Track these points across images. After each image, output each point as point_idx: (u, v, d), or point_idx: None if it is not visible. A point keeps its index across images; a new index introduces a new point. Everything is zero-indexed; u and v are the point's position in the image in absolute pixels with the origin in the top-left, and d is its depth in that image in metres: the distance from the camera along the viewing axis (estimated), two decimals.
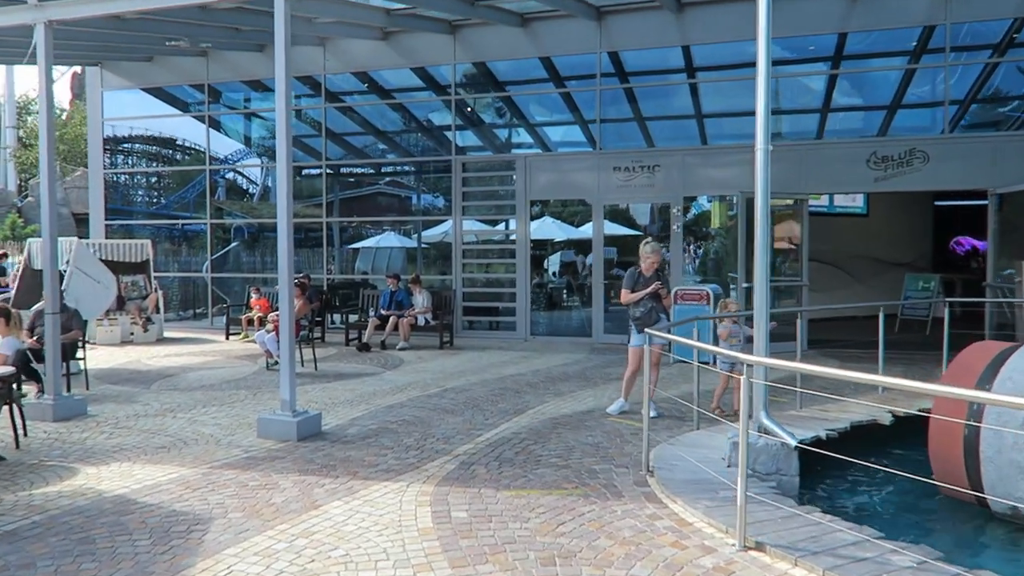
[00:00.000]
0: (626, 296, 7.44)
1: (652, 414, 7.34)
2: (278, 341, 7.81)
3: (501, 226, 15.42)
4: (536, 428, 6.96)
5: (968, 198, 16.51)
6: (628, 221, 25.57)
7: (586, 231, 24.90)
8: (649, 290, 7.33)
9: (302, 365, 10.52)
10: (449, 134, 14.47)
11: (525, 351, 12.28)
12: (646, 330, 6.34)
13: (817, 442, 5.86)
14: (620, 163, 12.93)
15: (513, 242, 13.89)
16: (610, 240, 25.63)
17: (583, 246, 25.42)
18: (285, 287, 6.79)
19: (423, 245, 23.15)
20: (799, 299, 12.24)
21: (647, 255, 7.40)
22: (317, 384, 9.33)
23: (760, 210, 5.83)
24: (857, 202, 18.13)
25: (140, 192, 21.10)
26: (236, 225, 31.24)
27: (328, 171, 18.18)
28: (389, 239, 23.29)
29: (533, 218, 14.20)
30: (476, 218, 15.19)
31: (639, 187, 12.88)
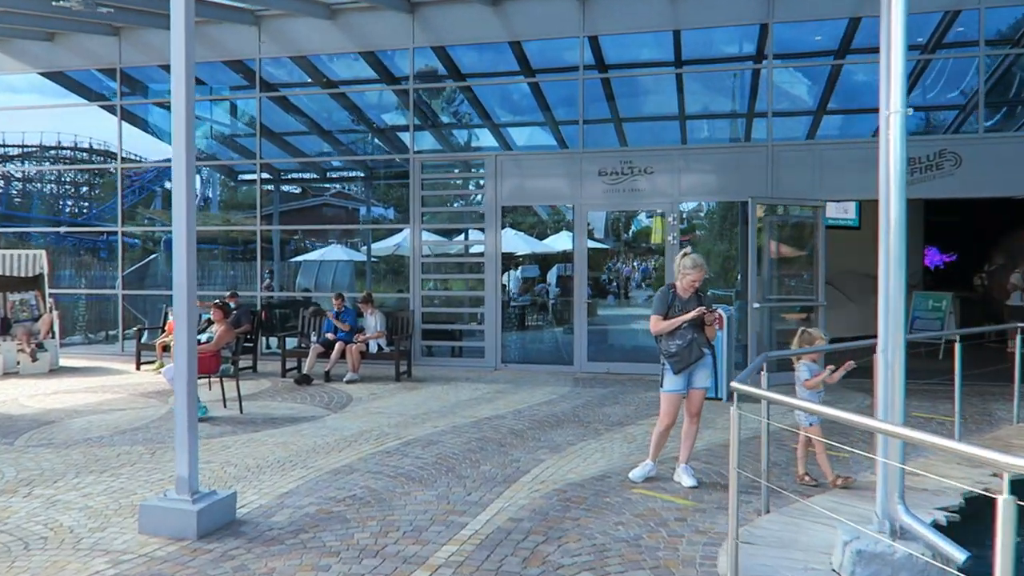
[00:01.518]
0: (657, 324, 5.58)
1: (689, 482, 5.56)
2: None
3: (463, 236, 13.51)
4: (542, 510, 5.02)
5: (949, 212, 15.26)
6: (587, 234, 23.88)
7: (552, 244, 23.25)
8: (690, 316, 5.49)
9: (224, 407, 8.40)
10: (406, 133, 12.50)
11: (498, 383, 10.35)
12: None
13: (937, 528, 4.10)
14: (605, 165, 11.17)
15: (481, 255, 11.97)
16: (568, 256, 24.01)
17: (549, 260, 23.74)
18: (184, 310, 4.73)
19: (373, 259, 21.09)
20: (815, 321, 10.60)
21: (687, 270, 5.56)
22: (240, 435, 7.24)
23: (894, 200, 4.05)
24: (849, 213, 16.74)
25: (43, 196, 18.53)
26: (167, 237, 28.70)
27: (265, 175, 16.06)
28: (335, 252, 21.14)
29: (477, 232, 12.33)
30: (437, 227, 13.23)
31: (627, 192, 11.12)
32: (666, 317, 5.53)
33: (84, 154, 23.88)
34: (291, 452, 6.57)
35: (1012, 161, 10.01)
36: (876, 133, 5.68)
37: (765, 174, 10.64)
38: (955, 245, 18.23)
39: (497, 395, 9.45)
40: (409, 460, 6.30)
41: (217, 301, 8.46)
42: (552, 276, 23.06)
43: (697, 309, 5.47)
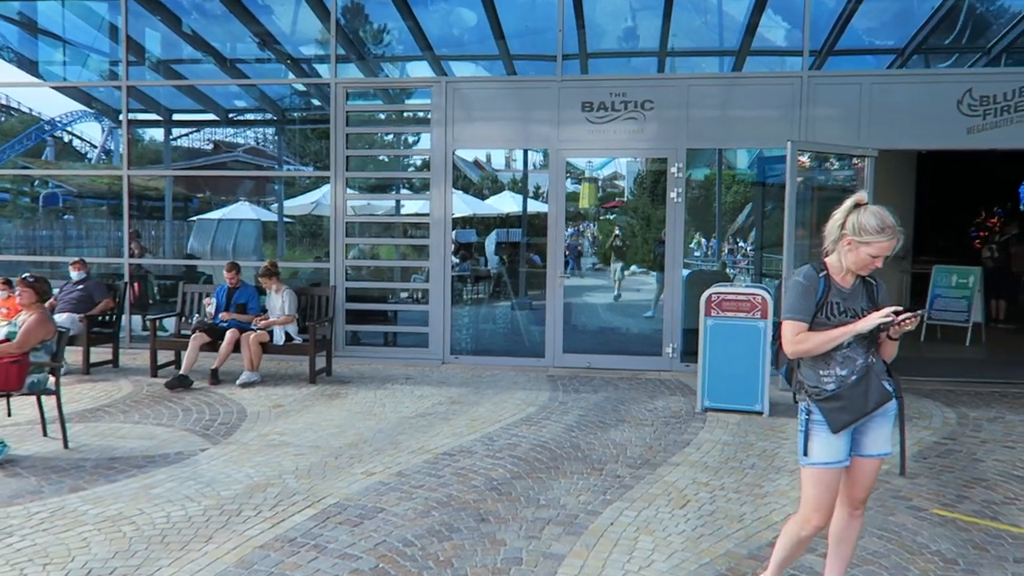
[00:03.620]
0: (801, 338, 2.89)
1: None
2: None
3: (399, 192, 10.69)
4: None
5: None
6: (529, 194, 21.18)
7: (497, 205, 20.53)
8: (870, 322, 2.86)
9: (44, 434, 5.51)
10: (326, 65, 9.50)
11: (451, 385, 7.69)
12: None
13: None
14: (592, 96, 8.52)
15: (426, 216, 9.21)
16: (508, 221, 21.41)
17: (492, 225, 21.01)
18: None
19: (287, 219, 17.95)
20: None
21: (870, 235, 2.88)
22: (45, 499, 4.38)
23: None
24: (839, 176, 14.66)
25: None
26: (46, 192, 24.57)
27: (154, 115, 12.77)
28: (242, 210, 17.89)
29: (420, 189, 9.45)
30: (369, 175, 10.36)
31: (620, 133, 8.51)
32: (812, 327, 2.94)
33: None
34: (118, 547, 3.77)
35: None
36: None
37: (798, 113, 8.22)
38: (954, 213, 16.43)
39: (453, 407, 6.79)
40: (327, 566, 3.61)
41: (26, 276, 5.47)
42: (490, 243, 20.41)
43: (884, 311, 2.87)
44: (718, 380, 6.67)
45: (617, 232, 18.15)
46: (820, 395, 2.97)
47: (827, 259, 3.06)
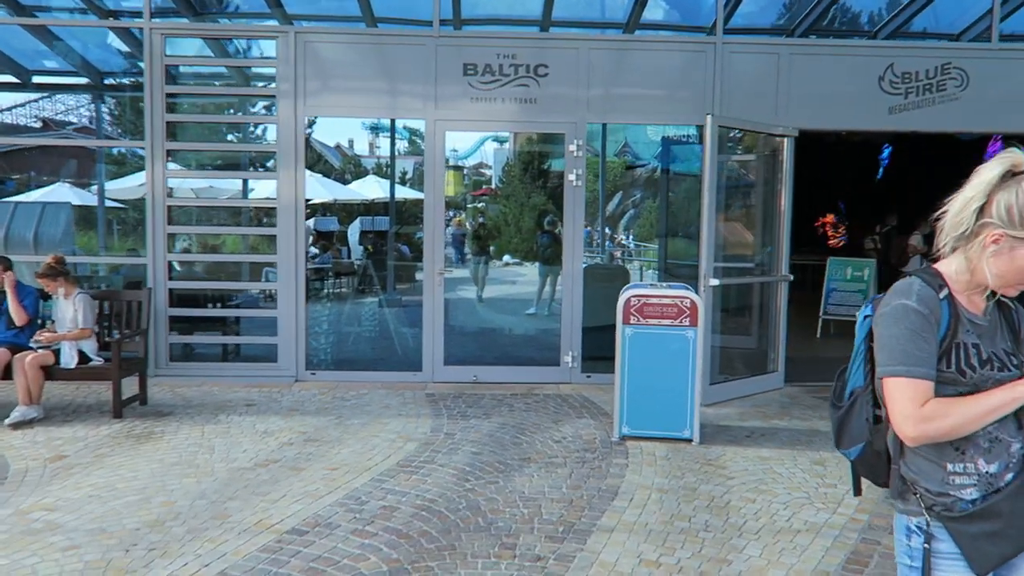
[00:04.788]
0: (926, 410, 1.62)
1: None
2: None
3: (238, 171, 8.85)
4: None
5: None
6: (396, 178, 19.70)
7: (361, 191, 18.70)
8: None
9: None
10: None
11: (305, 413, 6.08)
12: None
13: None
14: (476, 57, 7.10)
15: (273, 202, 7.49)
16: (374, 208, 19.68)
17: (356, 212, 19.27)
18: None
19: (114, 203, 15.38)
20: (777, 299, 7.42)
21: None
22: None
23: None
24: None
25: None
26: None
27: None
28: (60, 192, 15.13)
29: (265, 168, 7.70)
30: (197, 147, 8.45)
31: (510, 103, 7.14)
32: (938, 383, 1.66)
33: None
34: None
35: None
36: None
37: (711, 85, 7.16)
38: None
39: (307, 448, 5.20)
40: None
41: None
42: (354, 232, 18.65)
43: None
44: (639, 401, 5.47)
45: (481, 220, 16.88)
46: (951, 509, 1.70)
47: (941, 266, 1.80)
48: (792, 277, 7.41)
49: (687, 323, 5.40)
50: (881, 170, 17.84)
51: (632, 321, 5.45)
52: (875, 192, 15.73)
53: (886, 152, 17.80)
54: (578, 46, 7.14)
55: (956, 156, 15.01)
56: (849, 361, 1.91)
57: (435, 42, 7.08)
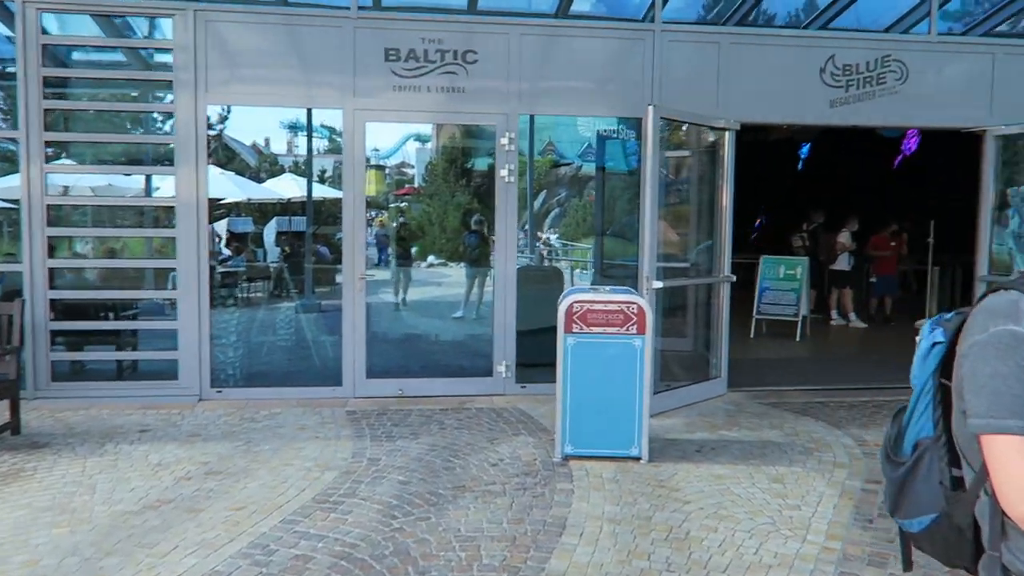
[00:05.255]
0: None
1: None
2: None
3: (130, 166, 7.98)
4: None
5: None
6: (314, 176, 18.96)
7: (277, 189, 17.73)
8: None
9: None
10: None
11: (208, 439, 5.36)
12: None
13: None
14: (399, 41, 6.50)
15: (171, 200, 6.71)
16: (292, 207, 18.74)
17: (272, 212, 18.34)
18: None
19: (3, 203, 14.11)
20: (719, 300, 7.09)
21: None
22: None
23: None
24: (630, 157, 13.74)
25: None
26: None
27: None
28: None
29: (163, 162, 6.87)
30: (77, 137, 7.54)
31: (436, 93, 6.56)
32: None
33: None
34: None
35: (963, 80, 7.20)
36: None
37: (650, 75, 6.77)
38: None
39: (208, 482, 4.52)
40: None
41: None
42: (269, 233, 17.72)
43: None
44: (583, 417, 4.99)
45: (403, 220, 16.27)
46: None
47: None
48: (735, 278, 7.09)
49: (634, 331, 4.96)
50: (800, 164, 18.03)
51: (575, 329, 4.97)
52: (800, 188, 15.79)
53: (804, 149, 18.01)
54: (508, 31, 6.62)
55: (879, 151, 15.27)
56: (910, 403, 1.44)
57: (353, 24, 6.44)
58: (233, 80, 6.42)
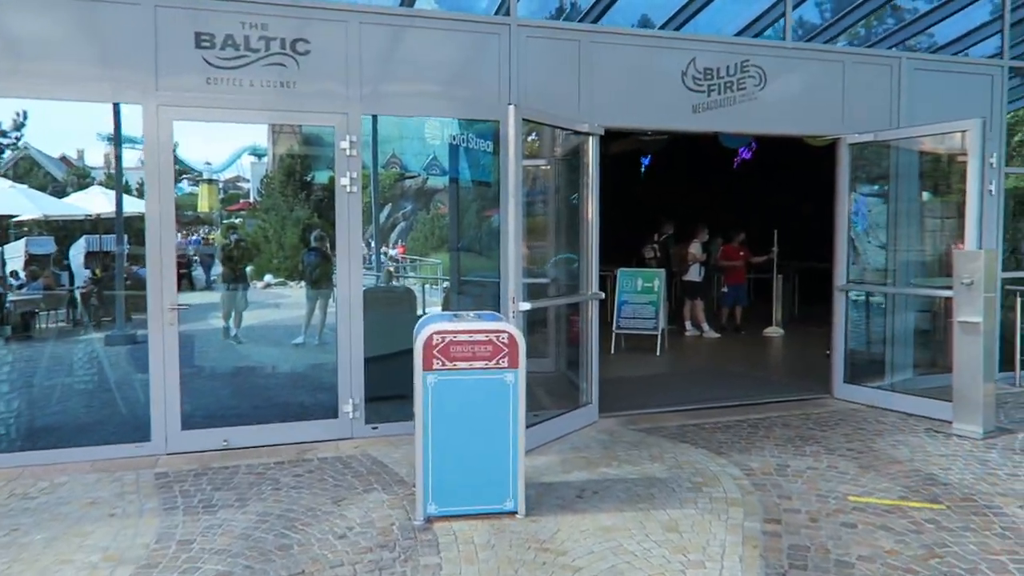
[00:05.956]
0: None
1: None
2: None
3: None
4: None
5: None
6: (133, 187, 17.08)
7: (84, 204, 15.64)
8: None
9: None
10: None
11: None
12: None
13: None
14: (214, 25, 5.44)
15: None
16: (104, 224, 16.71)
17: (79, 230, 16.24)
18: None
19: None
20: (586, 318, 6.52)
21: None
22: None
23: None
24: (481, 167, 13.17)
25: None
26: None
27: None
28: None
29: None
30: None
31: (262, 88, 5.56)
32: None
33: None
34: None
35: (818, 87, 7.11)
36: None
37: (507, 74, 6.13)
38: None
39: None
40: None
41: None
42: (76, 253, 15.66)
43: None
44: (448, 470, 4.20)
45: (236, 237, 14.86)
46: None
47: None
48: (603, 295, 6.57)
49: (505, 364, 4.23)
50: (643, 174, 18.20)
51: (436, 366, 4.17)
52: (646, 199, 15.83)
53: (646, 161, 18.21)
54: (347, 19, 5.74)
55: (721, 158, 15.57)
56: None
57: (153, 2, 5.32)
58: (17, 72, 5.11)
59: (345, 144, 5.73)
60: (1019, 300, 7.65)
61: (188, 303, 5.86)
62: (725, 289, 12.16)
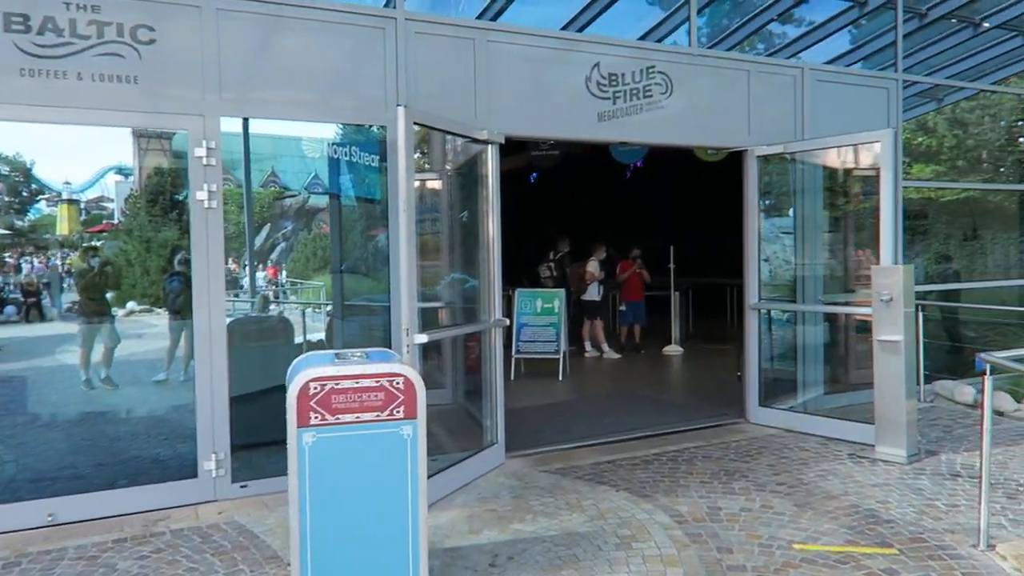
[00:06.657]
0: None
1: None
2: None
3: None
4: None
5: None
6: None
7: None
8: None
9: None
10: None
11: None
12: None
13: None
14: (28, 5, 4.44)
15: None
16: None
17: None
18: None
19: None
20: (490, 353, 5.82)
21: None
22: None
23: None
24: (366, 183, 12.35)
25: None
26: None
27: None
28: None
29: None
30: None
31: (92, 83, 4.59)
32: None
33: None
34: None
35: (724, 96, 6.77)
36: None
37: (394, 75, 5.40)
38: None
39: None
40: None
41: None
42: None
43: None
44: (332, 553, 3.38)
45: (98, 261, 13.30)
46: None
47: None
48: (508, 322, 5.92)
49: (400, 415, 3.47)
50: (531, 191, 17.79)
51: (314, 421, 3.36)
52: (538, 214, 15.40)
53: (534, 176, 17.80)
54: (200, 4, 4.85)
55: (609, 172, 15.30)
56: None
57: None
58: None
59: (201, 151, 4.83)
60: (920, 314, 7.55)
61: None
62: (623, 307, 11.79)
